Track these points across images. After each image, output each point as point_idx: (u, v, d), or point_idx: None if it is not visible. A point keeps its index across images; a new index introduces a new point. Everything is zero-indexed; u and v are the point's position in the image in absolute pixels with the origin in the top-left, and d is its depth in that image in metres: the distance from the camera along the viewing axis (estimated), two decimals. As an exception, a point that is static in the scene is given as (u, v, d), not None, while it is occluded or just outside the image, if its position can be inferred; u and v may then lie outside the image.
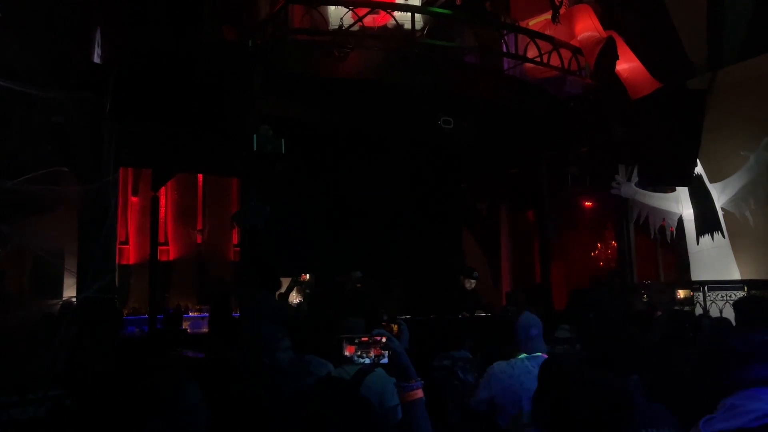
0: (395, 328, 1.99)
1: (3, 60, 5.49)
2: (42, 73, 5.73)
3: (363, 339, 1.77)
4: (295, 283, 6.51)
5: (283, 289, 7.22)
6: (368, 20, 8.88)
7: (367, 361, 1.76)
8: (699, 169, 9.69)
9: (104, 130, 6.19)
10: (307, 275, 6.54)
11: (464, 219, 12.58)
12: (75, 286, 6.81)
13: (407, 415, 1.78)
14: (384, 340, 1.76)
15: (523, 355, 3.57)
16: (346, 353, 1.78)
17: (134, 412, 2.31)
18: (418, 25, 8.95)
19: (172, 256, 13.44)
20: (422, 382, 1.82)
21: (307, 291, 7.18)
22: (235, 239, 13.96)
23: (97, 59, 7.05)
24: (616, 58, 9.72)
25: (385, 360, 1.75)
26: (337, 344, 1.78)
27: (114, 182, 6.68)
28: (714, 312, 8.09)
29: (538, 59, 9.27)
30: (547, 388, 1.82)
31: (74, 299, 6.57)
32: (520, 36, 9.78)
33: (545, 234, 10.55)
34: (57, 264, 7.03)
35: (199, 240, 13.67)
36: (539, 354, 3.56)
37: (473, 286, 8.51)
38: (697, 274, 9.70)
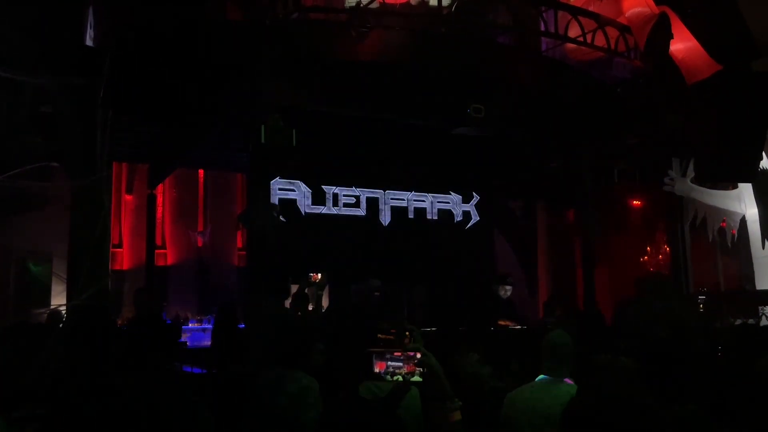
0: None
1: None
2: (29, 58, 5.79)
3: (395, 354, 1.74)
4: (307, 284, 6.51)
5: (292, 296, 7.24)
6: (389, -4, 8.87)
7: (399, 378, 1.73)
8: (765, 163, 9.55)
9: (97, 120, 6.23)
10: (319, 274, 6.52)
11: (496, 220, 12.50)
12: (64, 294, 6.87)
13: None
14: (419, 355, 1.74)
15: (542, 377, 3.58)
16: (376, 369, 1.75)
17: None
18: (446, 1, 8.89)
19: (170, 261, 13.56)
20: (461, 403, 1.79)
21: (320, 293, 7.20)
22: (239, 242, 14.04)
23: (89, 42, 7.10)
24: (670, 37, 9.58)
25: (418, 378, 1.73)
26: (366, 359, 1.75)
27: (107, 178, 6.73)
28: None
29: (580, 39, 9.18)
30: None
31: (63, 308, 6.63)
32: (560, 13, 9.67)
33: (588, 236, 10.43)
34: (45, 268, 7.11)
35: (200, 243, 13.77)
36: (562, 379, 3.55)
37: (508, 294, 8.47)
38: (763, 281, 9.56)
